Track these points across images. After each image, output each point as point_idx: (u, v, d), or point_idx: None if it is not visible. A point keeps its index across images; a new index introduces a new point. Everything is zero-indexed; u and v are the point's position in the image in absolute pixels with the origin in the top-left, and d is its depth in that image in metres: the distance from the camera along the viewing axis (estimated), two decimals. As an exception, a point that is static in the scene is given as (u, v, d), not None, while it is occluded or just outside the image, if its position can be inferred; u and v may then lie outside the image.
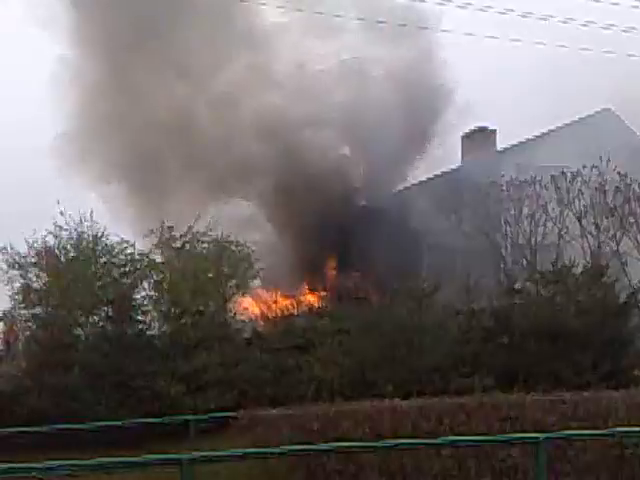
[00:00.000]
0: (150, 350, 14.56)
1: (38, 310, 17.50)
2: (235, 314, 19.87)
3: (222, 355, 14.82)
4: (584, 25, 24.67)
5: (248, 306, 22.92)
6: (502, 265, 20.75)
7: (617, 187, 19.33)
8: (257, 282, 21.69)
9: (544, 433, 9.13)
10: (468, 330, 15.83)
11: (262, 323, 19.46)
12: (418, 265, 24.67)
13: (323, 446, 10.34)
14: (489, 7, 24.86)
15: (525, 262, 20.33)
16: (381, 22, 24.76)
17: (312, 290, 24.15)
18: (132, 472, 9.18)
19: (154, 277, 18.50)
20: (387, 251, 23.87)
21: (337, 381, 14.61)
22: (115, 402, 13.52)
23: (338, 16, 24.56)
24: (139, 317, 17.37)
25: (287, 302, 22.99)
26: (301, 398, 14.16)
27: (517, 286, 17.88)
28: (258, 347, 15.58)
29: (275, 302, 24.75)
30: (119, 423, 12.74)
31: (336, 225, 24.39)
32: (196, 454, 8.49)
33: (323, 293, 23.38)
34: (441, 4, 24.61)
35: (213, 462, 10.08)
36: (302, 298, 23.82)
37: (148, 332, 17.07)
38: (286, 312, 20.10)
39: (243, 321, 20.19)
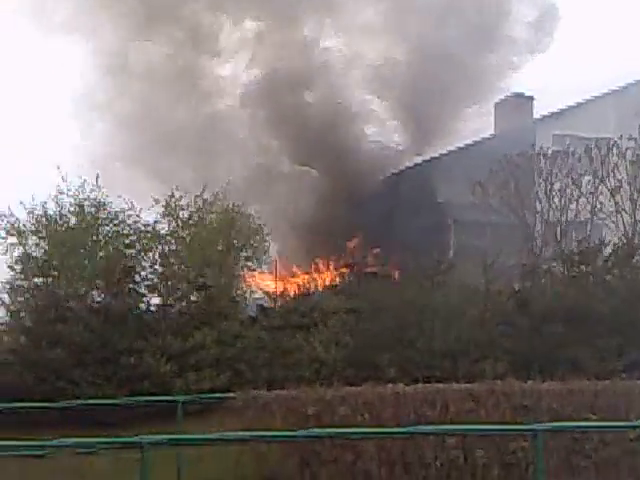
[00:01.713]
0: (140, 325, 13.78)
1: (38, 281, 16.82)
2: (245, 289, 19.04)
3: (219, 333, 13.97)
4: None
5: (264, 280, 22.16)
6: (531, 244, 19.46)
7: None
8: (270, 256, 20.74)
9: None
10: (484, 312, 14.73)
11: (278, 299, 18.62)
12: (444, 242, 23.54)
13: (317, 432, 9.65)
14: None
15: (555, 241, 19.01)
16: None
17: (332, 266, 23.17)
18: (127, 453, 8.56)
19: (159, 249, 17.69)
20: (411, 226, 22.82)
21: (339, 363, 13.68)
22: (101, 379, 12.81)
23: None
24: (142, 290, 16.65)
25: (305, 278, 22.18)
26: (300, 380, 13.29)
27: (543, 266, 16.66)
28: (260, 325, 14.70)
29: (292, 277, 24.02)
30: (103, 402, 12.07)
31: (360, 198, 23.39)
32: (158, 437, 7.80)
33: (343, 270, 22.40)
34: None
35: (179, 445, 9.50)
36: (320, 275, 22.99)
37: (151, 307, 16.28)
38: (302, 289, 19.24)
39: (258, 297, 19.39)
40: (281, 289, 19.52)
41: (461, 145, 24.95)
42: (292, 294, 18.51)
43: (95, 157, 22.32)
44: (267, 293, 17.39)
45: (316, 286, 19.98)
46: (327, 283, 21.06)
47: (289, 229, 23.83)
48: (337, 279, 20.77)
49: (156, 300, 15.80)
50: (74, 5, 23.82)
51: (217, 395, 12.11)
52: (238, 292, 18.50)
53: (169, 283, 16.39)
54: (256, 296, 19.27)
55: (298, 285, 20.07)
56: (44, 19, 24.52)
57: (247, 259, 19.44)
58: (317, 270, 23.69)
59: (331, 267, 23.17)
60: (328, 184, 23.85)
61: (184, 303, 16.16)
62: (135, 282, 16.02)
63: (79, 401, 11.94)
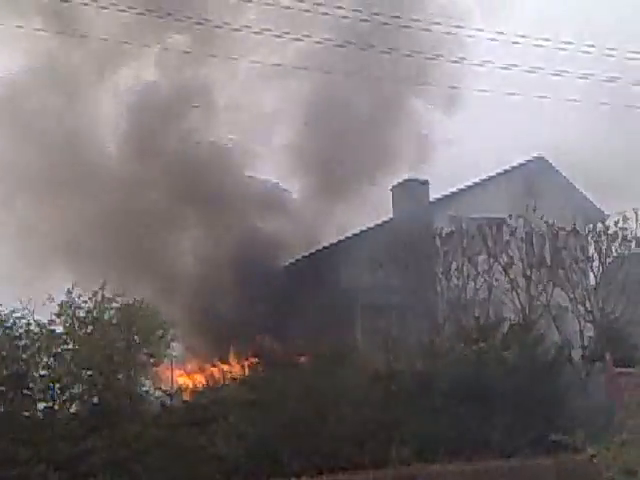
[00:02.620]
0: (26, 433, 13.09)
1: None
2: (149, 386, 18.46)
3: (113, 435, 13.37)
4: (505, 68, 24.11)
5: (174, 375, 21.54)
6: (433, 324, 19.71)
7: (541, 235, 18.53)
8: (175, 351, 20.26)
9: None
10: (388, 394, 14.66)
11: (180, 395, 18.12)
12: (350, 325, 23.60)
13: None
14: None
15: (456, 319, 19.32)
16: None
17: (238, 358, 22.81)
18: None
19: (54, 350, 17.01)
20: (316, 311, 22.82)
21: (242, 459, 13.26)
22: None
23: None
24: (39, 396, 15.88)
25: (213, 370, 21.75)
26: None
27: (445, 345, 16.83)
28: (158, 424, 14.16)
29: (201, 371, 23.51)
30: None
31: (264, 288, 23.29)
32: None
33: (249, 361, 22.12)
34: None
35: None
36: (228, 367, 22.59)
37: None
38: (211, 382, 18.81)
39: (165, 393, 18.82)
40: (189, 383, 18.99)
41: (362, 228, 25.36)
42: (198, 388, 18.08)
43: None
44: (164, 391, 16.81)
45: (224, 379, 19.60)
46: (234, 375, 20.73)
47: (191, 324, 23.44)
48: (245, 370, 20.47)
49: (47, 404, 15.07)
50: None
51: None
52: (142, 389, 17.95)
53: (62, 385, 15.69)
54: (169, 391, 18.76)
55: (206, 378, 19.66)
56: None
57: (150, 356, 18.94)
58: (224, 362, 23.32)
59: (236, 359, 22.81)
60: (229, 274, 23.66)
61: (77, 406, 15.47)
62: (27, 387, 15.25)
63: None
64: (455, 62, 22.88)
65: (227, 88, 25.36)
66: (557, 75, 24.54)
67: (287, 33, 22.72)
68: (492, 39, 23.00)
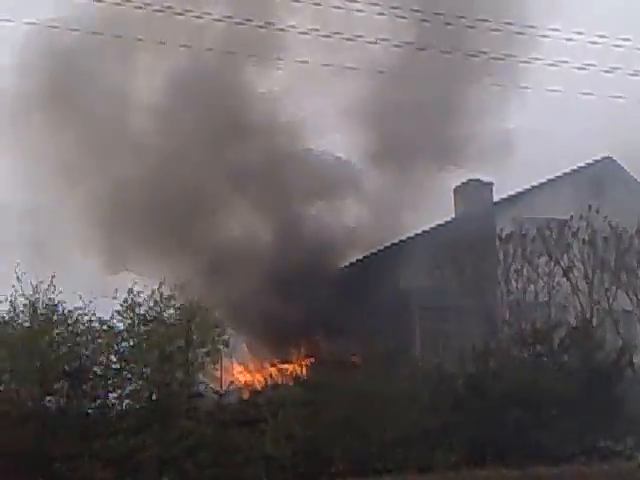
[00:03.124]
0: (79, 429, 13.45)
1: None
2: (209, 384, 18.77)
3: (164, 432, 13.62)
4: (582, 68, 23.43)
5: (237, 374, 21.87)
6: (492, 327, 19.41)
7: (605, 238, 18.02)
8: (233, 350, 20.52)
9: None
10: (436, 397, 14.51)
11: (245, 393, 18.37)
12: (410, 327, 23.45)
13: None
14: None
15: (515, 323, 18.98)
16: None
17: (295, 358, 22.99)
18: None
19: (115, 347, 17.46)
20: (374, 315, 22.75)
21: (290, 459, 13.34)
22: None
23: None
24: (99, 391, 16.31)
25: (273, 370, 21.96)
26: (247, 479, 12.96)
27: (499, 348, 16.56)
28: (211, 422, 14.36)
29: (261, 369, 23.78)
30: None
31: (321, 288, 23.33)
32: None
33: (308, 361, 22.24)
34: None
35: None
36: (287, 366, 22.77)
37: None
38: (270, 381, 19.02)
39: (226, 392, 19.12)
40: (250, 381, 19.24)
41: (424, 228, 25.16)
42: (256, 386, 18.31)
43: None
44: (216, 391, 17.01)
45: (282, 378, 19.77)
46: (292, 374, 20.89)
47: (250, 322, 23.67)
48: (302, 370, 20.61)
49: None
50: None
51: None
52: (198, 387, 18.25)
53: (120, 382, 16.08)
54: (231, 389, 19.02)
55: (264, 377, 19.89)
56: None
57: (207, 354, 19.23)
58: (284, 362, 23.51)
59: (295, 358, 22.98)
60: (284, 268, 23.67)
61: (135, 403, 15.82)
62: (86, 383, 15.68)
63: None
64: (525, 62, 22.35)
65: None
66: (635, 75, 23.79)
67: (362, 36, 22.51)
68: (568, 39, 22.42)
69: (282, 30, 22.44)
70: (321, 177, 24.85)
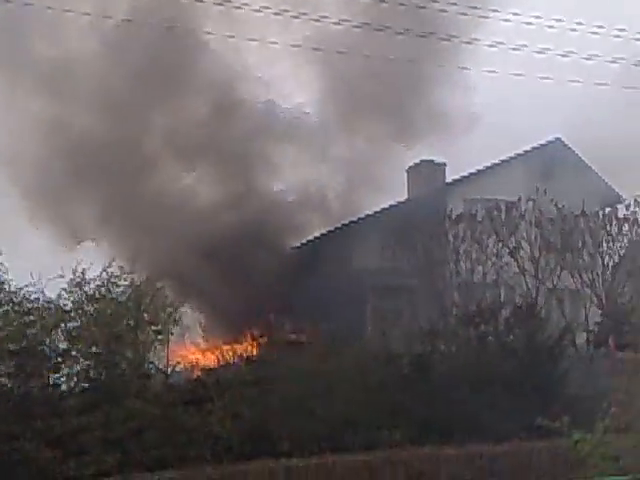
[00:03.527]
0: (22, 408, 13.33)
1: None
2: (157, 363, 18.69)
3: (111, 412, 13.57)
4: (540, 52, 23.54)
5: (189, 354, 21.76)
6: (440, 307, 19.65)
7: (551, 219, 18.31)
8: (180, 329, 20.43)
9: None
10: (384, 377, 14.69)
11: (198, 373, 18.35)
12: (360, 308, 23.62)
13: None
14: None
15: (463, 304, 19.24)
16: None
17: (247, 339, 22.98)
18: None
19: (62, 326, 17.27)
20: (326, 294, 22.84)
21: (236, 438, 13.40)
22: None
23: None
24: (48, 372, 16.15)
25: (225, 349, 21.95)
26: (194, 459, 12.99)
27: (445, 328, 16.81)
28: (158, 402, 14.33)
29: (213, 350, 23.73)
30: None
31: (273, 269, 23.36)
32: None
33: (260, 340, 22.26)
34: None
35: None
36: (239, 345, 22.77)
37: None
38: (222, 361, 19.03)
39: (173, 371, 19.05)
40: (201, 360, 19.18)
41: (376, 209, 25.24)
42: (206, 366, 18.30)
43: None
44: (162, 370, 16.97)
45: (233, 358, 19.78)
46: (243, 354, 20.92)
47: (202, 299, 23.61)
48: (254, 350, 20.64)
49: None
50: None
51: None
52: (148, 367, 18.16)
53: (67, 361, 15.93)
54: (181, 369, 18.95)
55: (217, 357, 19.87)
56: None
57: (158, 333, 19.14)
58: (237, 341, 23.51)
59: (247, 338, 22.97)
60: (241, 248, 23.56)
61: (85, 382, 15.72)
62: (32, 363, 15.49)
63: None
64: (468, 43, 22.50)
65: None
66: (588, 59, 24.00)
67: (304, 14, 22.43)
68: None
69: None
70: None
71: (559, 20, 22.61)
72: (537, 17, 22.59)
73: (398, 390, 14.56)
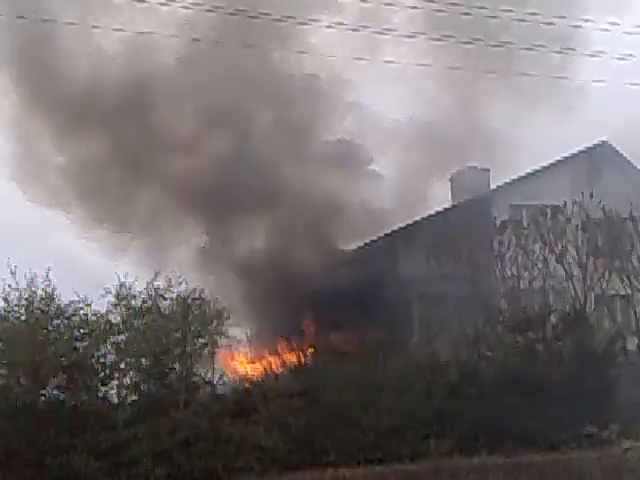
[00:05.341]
0: (71, 422, 13.55)
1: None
2: (208, 375, 18.85)
3: (160, 423, 13.72)
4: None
5: (235, 364, 21.90)
6: (487, 314, 19.42)
7: (596, 223, 18.00)
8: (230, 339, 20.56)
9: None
10: (430, 385, 14.60)
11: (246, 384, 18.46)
12: (408, 314, 23.49)
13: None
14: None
15: (510, 310, 18.98)
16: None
17: (294, 349, 23.02)
18: None
19: (111, 339, 17.54)
20: (376, 300, 22.76)
21: (282, 448, 13.45)
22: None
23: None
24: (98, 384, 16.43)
25: (272, 360, 22.03)
26: (240, 470, 13.07)
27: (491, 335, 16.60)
28: (206, 413, 14.45)
29: (260, 359, 23.82)
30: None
31: (318, 277, 23.34)
32: None
33: (308, 351, 22.30)
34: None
35: None
36: (286, 355, 22.82)
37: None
38: (269, 371, 19.12)
39: (220, 383, 19.19)
40: (248, 371, 19.29)
41: (423, 216, 25.11)
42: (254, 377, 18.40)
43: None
44: (207, 381, 17.09)
45: (280, 368, 19.85)
46: (291, 364, 20.97)
47: (250, 310, 23.74)
48: (300, 359, 20.68)
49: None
50: None
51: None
52: (196, 379, 18.32)
53: (120, 374, 16.17)
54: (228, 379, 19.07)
55: (264, 367, 19.96)
56: None
57: (205, 345, 19.30)
58: (282, 351, 23.57)
59: (294, 348, 23.02)
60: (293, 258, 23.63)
61: (134, 394, 15.92)
62: (83, 376, 15.77)
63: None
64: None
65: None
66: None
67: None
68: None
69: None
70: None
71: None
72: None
73: (445, 398, 14.45)
